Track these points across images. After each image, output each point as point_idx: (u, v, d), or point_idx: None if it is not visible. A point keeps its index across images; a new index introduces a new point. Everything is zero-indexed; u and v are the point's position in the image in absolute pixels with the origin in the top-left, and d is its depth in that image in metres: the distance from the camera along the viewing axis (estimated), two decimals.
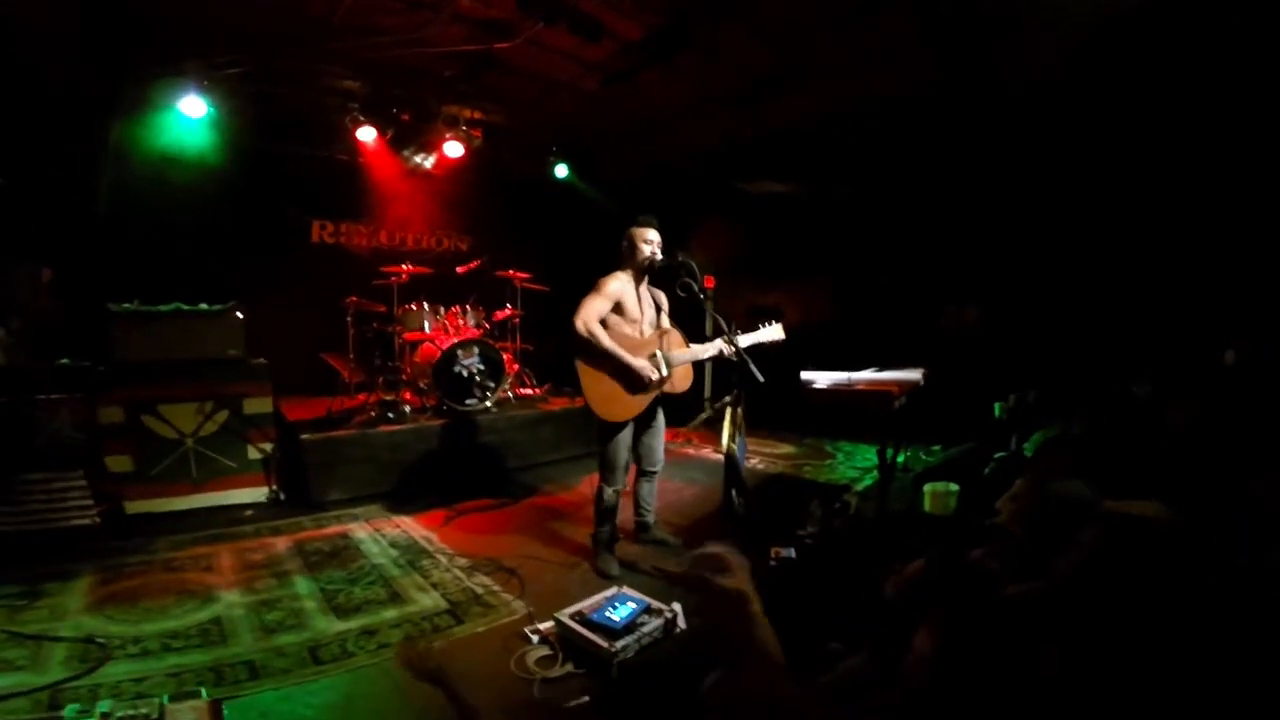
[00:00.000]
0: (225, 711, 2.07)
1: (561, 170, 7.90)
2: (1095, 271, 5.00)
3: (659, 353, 3.35)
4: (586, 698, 2.32)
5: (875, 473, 4.75)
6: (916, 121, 5.86)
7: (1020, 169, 5.38)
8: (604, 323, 3.33)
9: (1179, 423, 3.11)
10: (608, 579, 3.27)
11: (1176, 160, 4.51)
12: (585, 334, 3.21)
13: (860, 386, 3.46)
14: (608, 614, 2.65)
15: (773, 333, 3.45)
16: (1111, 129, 4.80)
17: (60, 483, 3.77)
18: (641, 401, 3.35)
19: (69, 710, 1.93)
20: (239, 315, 4.63)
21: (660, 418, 3.60)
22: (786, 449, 6.38)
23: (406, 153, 7.11)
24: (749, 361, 3.08)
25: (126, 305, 4.36)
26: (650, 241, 3.38)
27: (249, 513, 4.40)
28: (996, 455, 3.88)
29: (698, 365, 3.54)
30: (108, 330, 4.27)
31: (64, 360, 4.18)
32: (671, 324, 3.56)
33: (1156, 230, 4.66)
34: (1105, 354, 4.59)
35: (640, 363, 3.27)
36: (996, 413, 4.37)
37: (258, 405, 4.65)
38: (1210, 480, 2.42)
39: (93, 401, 4.07)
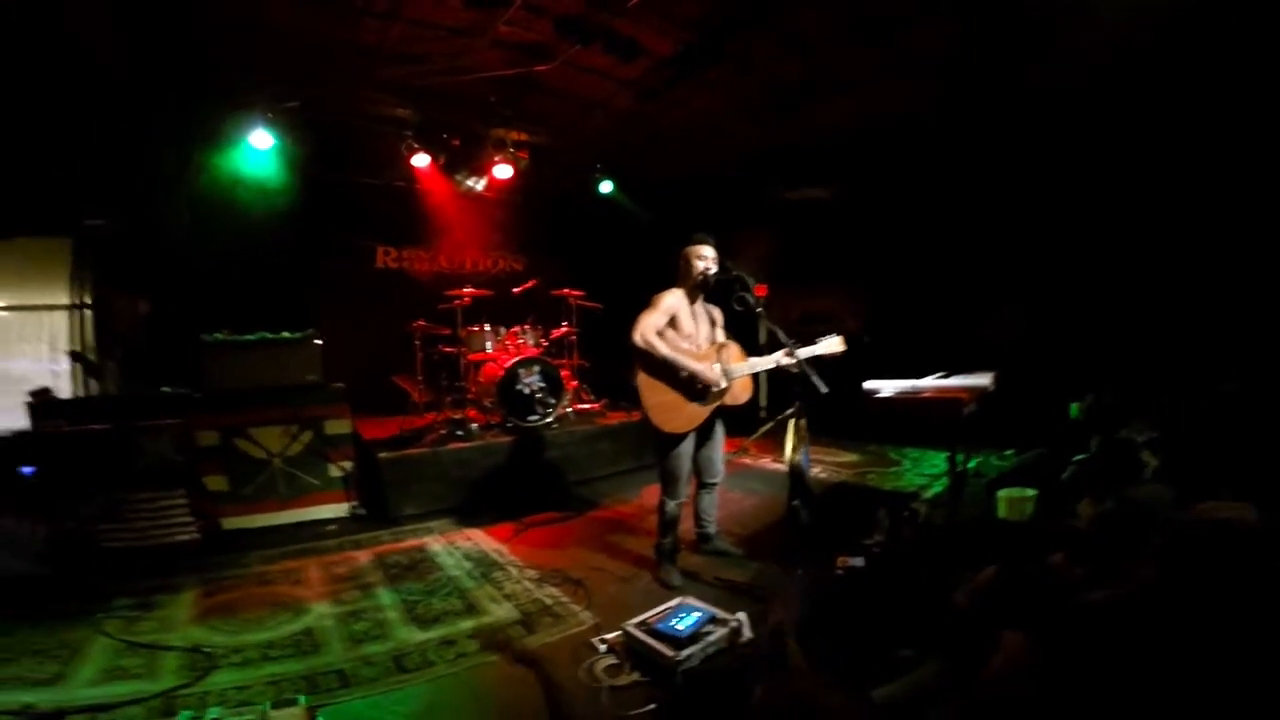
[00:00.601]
0: (319, 718, 2.21)
1: (606, 186, 8.00)
2: (1172, 266, 4.76)
3: (718, 365, 3.38)
4: (652, 705, 2.36)
5: (944, 479, 4.63)
6: (968, 122, 5.75)
7: (1080, 164, 5.21)
8: (660, 337, 3.39)
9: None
10: (670, 589, 3.30)
11: (1248, 151, 4.29)
12: (643, 345, 3.27)
13: (928, 394, 3.40)
14: (673, 624, 2.69)
15: (831, 344, 3.40)
16: (1176, 119, 4.59)
17: (164, 501, 4.05)
18: (702, 412, 3.38)
19: (182, 716, 2.10)
20: (317, 342, 4.91)
21: (720, 429, 3.61)
22: (849, 456, 6.28)
23: (459, 177, 7.33)
24: (810, 373, 3.05)
25: (217, 335, 4.68)
26: (704, 258, 3.40)
27: (332, 527, 4.63)
28: (1075, 458, 3.74)
29: (755, 377, 3.54)
30: (200, 359, 4.59)
31: (165, 388, 4.54)
32: (728, 337, 3.58)
33: (1234, 224, 4.41)
34: (1186, 350, 4.37)
35: (699, 365, 3.30)
36: (1073, 414, 4.21)
37: (338, 426, 4.90)
38: None
39: (190, 425, 4.38)
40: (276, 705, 2.10)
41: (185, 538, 4.04)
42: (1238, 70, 4.17)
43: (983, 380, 3.50)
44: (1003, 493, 3.76)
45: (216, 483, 4.43)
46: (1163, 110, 4.66)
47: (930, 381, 3.56)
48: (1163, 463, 3.16)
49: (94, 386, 5.53)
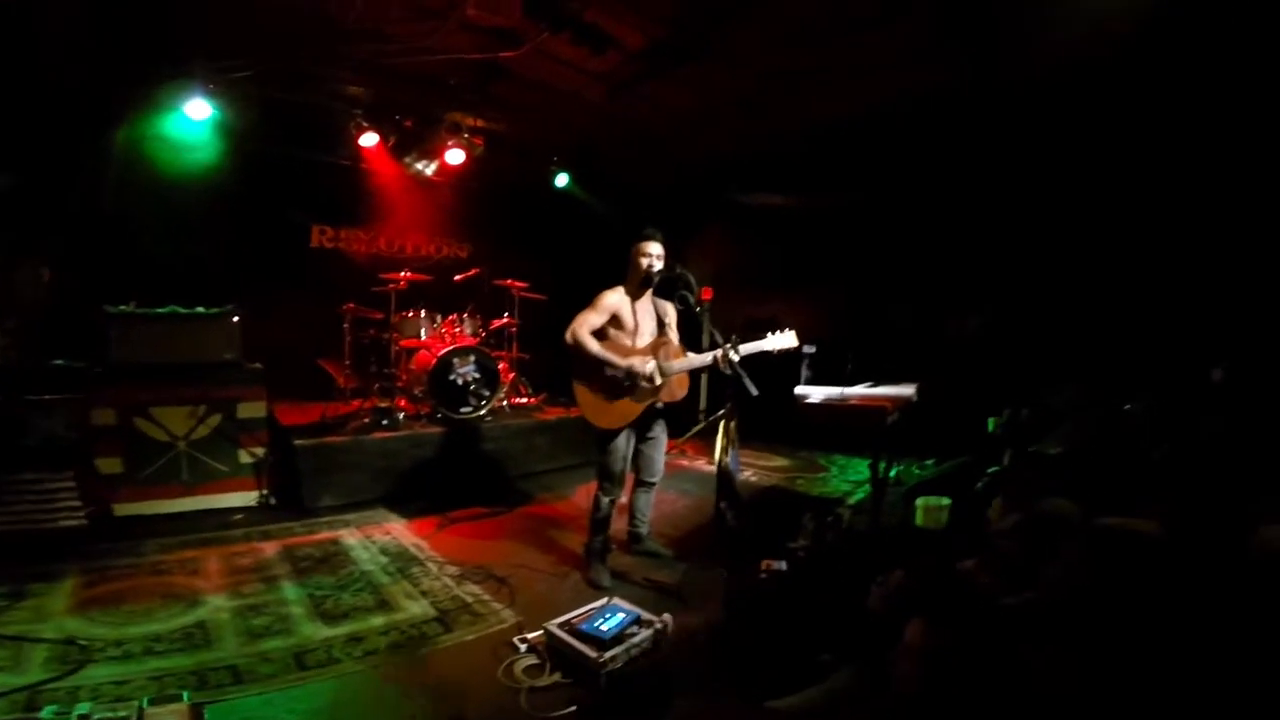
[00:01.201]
0: (207, 715, 2.06)
1: (562, 179, 7.89)
2: (1092, 286, 5.03)
3: (653, 362, 3.36)
4: (574, 708, 2.32)
5: (868, 486, 4.75)
6: (915, 133, 5.89)
7: (1017, 184, 5.42)
8: (601, 335, 3.38)
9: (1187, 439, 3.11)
10: (599, 589, 3.26)
11: (1166, 179, 4.55)
12: (572, 342, 3.30)
13: (854, 402, 3.47)
14: (597, 624, 2.65)
15: (783, 340, 3.37)
16: (1113, 133, 4.81)
17: (50, 484, 3.74)
18: (634, 409, 3.36)
19: (47, 711, 1.92)
20: (236, 319, 4.63)
21: (661, 428, 3.60)
22: (780, 461, 6.38)
23: (408, 159, 7.11)
24: (743, 375, 3.08)
25: (123, 307, 4.36)
26: (649, 254, 3.40)
27: (239, 517, 4.37)
28: (989, 470, 3.89)
29: (695, 376, 3.54)
30: (104, 331, 4.26)
31: (59, 361, 4.18)
32: (675, 335, 3.57)
33: (1150, 247, 4.69)
34: (1100, 370, 4.61)
35: (629, 360, 3.30)
36: (990, 428, 4.38)
37: (251, 410, 4.63)
38: (1204, 499, 2.42)
39: (86, 403, 4.05)
40: (155, 701, 1.93)
41: (71, 523, 3.73)
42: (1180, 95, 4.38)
43: (906, 390, 3.60)
44: (920, 501, 3.88)
45: (110, 465, 4.11)
46: (1091, 140, 4.90)
47: (857, 390, 3.63)
48: (1069, 478, 3.31)
49: None
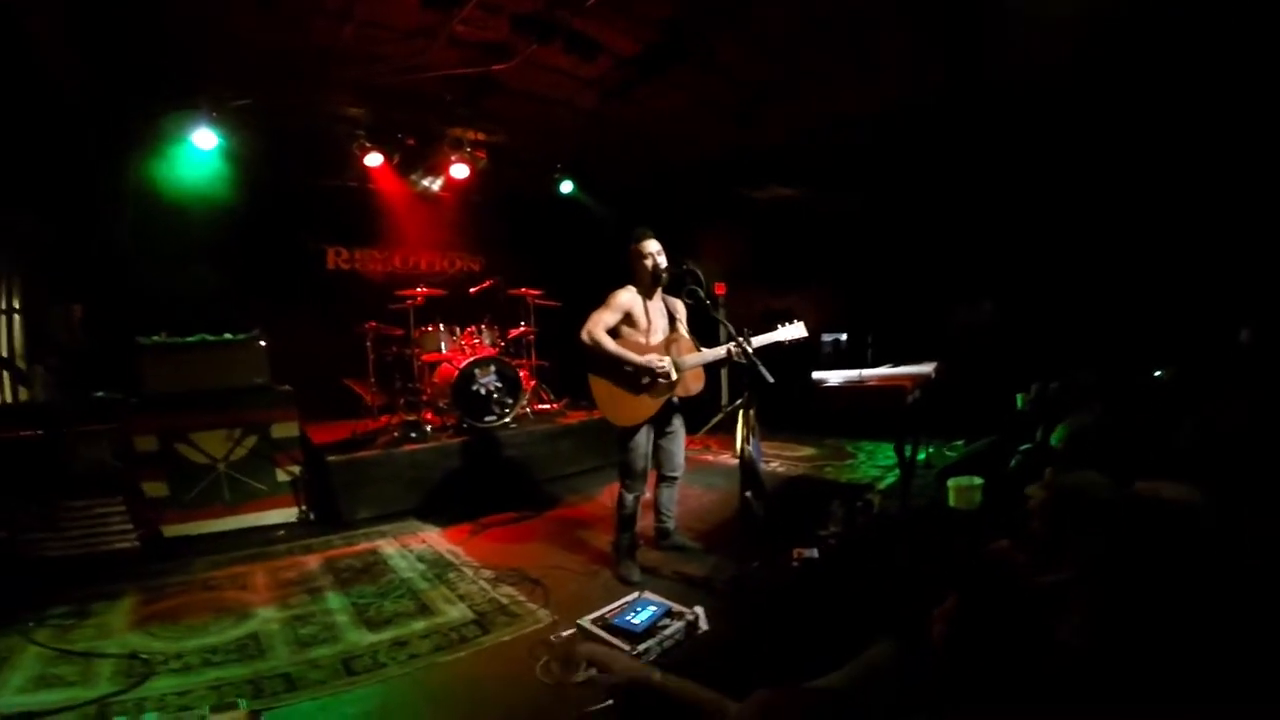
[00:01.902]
0: None
1: (566, 186, 7.95)
2: (1111, 259, 4.97)
3: (668, 358, 3.41)
4: (610, 701, 2.36)
5: (897, 470, 4.74)
6: (924, 120, 5.87)
7: (1031, 160, 5.38)
8: (615, 333, 3.41)
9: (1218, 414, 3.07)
10: (630, 585, 3.30)
11: (1188, 146, 4.50)
12: (589, 341, 3.32)
13: (872, 382, 3.48)
14: (629, 618, 2.70)
15: (793, 331, 3.43)
16: (1123, 116, 4.79)
17: (101, 509, 3.89)
18: (652, 404, 3.40)
19: None
20: (261, 343, 4.78)
21: (679, 423, 3.62)
22: (806, 450, 6.38)
23: (414, 176, 7.21)
24: (758, 364, 3.09)
25: (155, 338, 4.52)
26: (649, 253, 3.43)
27: (280, 533, 4.50)
28: (1022, 447, 3.87)
29: (714, 370, 3.55)
30: (137, 363, 4.43)
31: (99, 393, 4.34)
32: (688, 331, 3.60)
33: (1167, 215, 4.63)
34: (1124, 340, 4.56)
35: (646, 358, 3.33)
36: (1019, 405, 4.35)
37: (284, 430, 4.77)
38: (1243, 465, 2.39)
39: (128, 431, 4.22)
40: (216, 709, 2.04)
41: (124, 545, 3.88)
42: (1183, 74, 4.35)
43: (924, 369, 3.59)
44: (952, 482, 3.87)
45: (156, 489, 4.28)
46: (1113, 106, 4.84)
47: (875, 371, 3.63)
48: (1099, 450, 3.28)
49: (23, 394, 5.26)
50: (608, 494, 5.04)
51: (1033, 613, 1.57)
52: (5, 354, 5.42)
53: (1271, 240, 4.07)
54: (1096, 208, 5.05)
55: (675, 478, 3.73)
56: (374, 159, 6.47)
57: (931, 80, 5.27)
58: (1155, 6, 3.96)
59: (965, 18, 4.39)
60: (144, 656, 2.69)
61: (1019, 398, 4.37)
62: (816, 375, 3.55)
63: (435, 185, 7.33)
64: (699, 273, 3.32)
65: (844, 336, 6.62)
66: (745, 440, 3.25)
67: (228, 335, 4.71)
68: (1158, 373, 3.60)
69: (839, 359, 6.24)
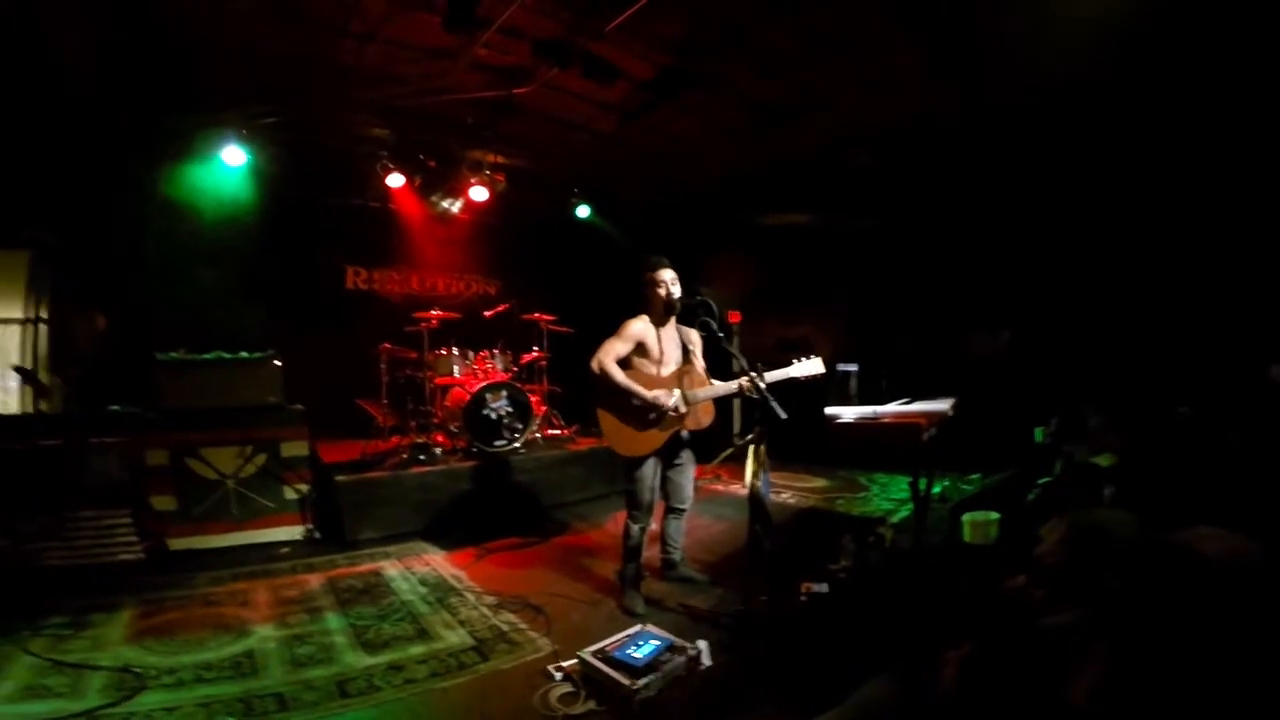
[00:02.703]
0: None
1: (583, 210, 8.00)
2: (1130, 291, 4.89)
3: (678, 390, 3.37)
4: None
5: (910, 504, 4.64)
6: (936, 142, 5.85)
7: (1046, 189, 5.34)
8: (626, 364, 3.39)
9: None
10: (633, 616, 3.25)
11: (1209, 176, 4.44)
12: (599, 371, 3.31)
13: (887, 420, 3.40)
14: (630, 652, 2.65)
15: (809, 367, 3.38)
16: (1137, 147, 4.75)
17: (108, 520, 3.93)
18: (659, 437, 3.36)
19: None
20: (277, 363, 4.83)
21: (688, 456, 3.58)
22: (819, 482, 6.28)
23: (434, 198, 7.30)
24: (770, 399, 3.03)
25: (172, 354, 4.59)
26: (663, 281, 3.40)
27: (285, 550, 4.49)
28: (1040, 481, 3.77)
29: (727, 401, 3.50)
30: (154, 377, 4.49)
31: (114, 406, 4.41)
32: (700, 362, 3.55)
33: (1189, 246, 4.56)
34: (1145, 375, 4.46)
35: (654, 393, 3.30)
36: (1038, 438, 4.26)
37: (295, 449, 4.80)
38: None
39: (140, 444, 4.27)
40: None
41: (129, 557, 3.90)
42: (1203, 97, 4.31)
43: (941, 406, 3.52)
44: (967, 516, 3.77)
45: (164, 502, 4.30)
46: (1125, 136, 4.82)
47: (890, 408, 3.57)
48: (1119, 487, 3.19)
49: (43, 404, 5.35)
50: (615, 522, 4.98)
51: (1048, 662, 1.49)
52: (30, 364, 5.54)
53: None
54: (1120, 232, 4.97)
55: (683, 510, 3.68)
56: (396, 179, 6.57)
57: (941, 100, 5.24)
58: (1171, 25, 3.90)
59: (972, 35, 4.36)
60: (137, 670, 2.67)
61: (1038, 431, 4.27)
62: (830, 411, 3.49)
63: (455, 207, 7.40)
64: (712, 304, 3.27)
65: (855, 367, 6.53)
66: (755, 475, 3.19)
67: (244, 354, 4.76)
68: (1182, 409, 3.51)
69: (851, 392, 6.17)
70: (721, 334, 3.24)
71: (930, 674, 1.62)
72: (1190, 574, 1.52)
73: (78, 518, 3.86)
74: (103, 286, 5.79)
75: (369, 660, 2.85)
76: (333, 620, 3.29)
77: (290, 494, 4.72)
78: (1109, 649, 1.39)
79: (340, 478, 4.77)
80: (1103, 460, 3.32)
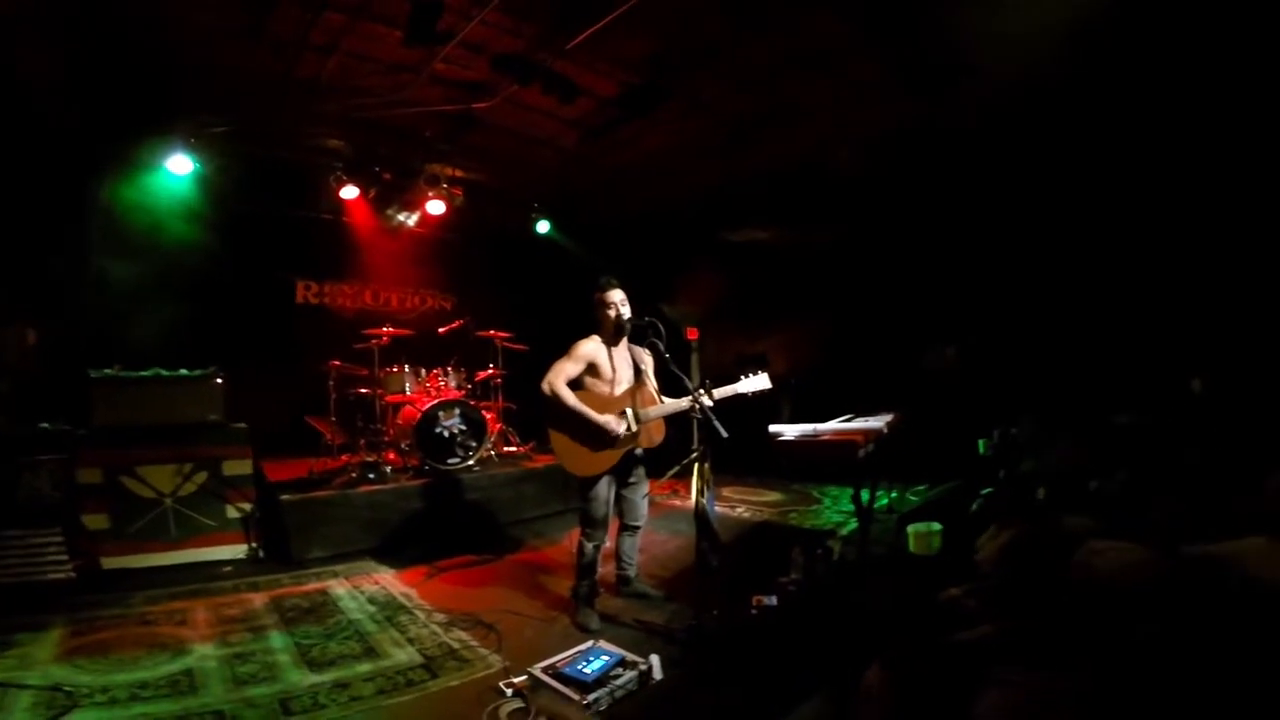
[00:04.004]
0: None
1: (543, 226, 7.99)
2: (1072, 304, 5.11)
3: (629, 410, 3.40)
4: None
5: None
6: (896, 162, 6.04)
7: (990, 209, 5.56)
8: (578, 384, 3.42)
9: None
10: (588, 632, 3.25)
11: (1138, 194, 4.68)
12: (550, 393, 3.32)
13: (826, 437, 3.51)
14: (580, 667, 2.65)
15: (756, 383, 3.46)
16: (1094, 150, 4.93)
17: (37, 539, 3.81)
18: (610, 456, 3.38)
19: None
20: (218, 380, 4.72)
21: (642, 473, 3.61)
22: (773, 496, 6.39)
23: (389, 211, 7.21)
24: (712, 418, 3.10)
25: (107, 371, 4.45)
26: (613, 303, 3.45)
27: (228, 569, 4.36)
28: (983, 491, 3.92)
29: (684, 418, 3.55)
30: (88, 395, 4.35)
31: (44, 425, 4.24)
32: (652, 381, 3.58)
33: (1123, 264, 4.80)
34: (1081, 387, 4.68)
35: (604, 418, 3.32)
36: (981, 450, 4.43)
37: (237, 467, 4.69)
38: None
39: (72, 463, 4.13)
40: None
41: (59, 576, 3.78)
42: (1160, 111, 4.49)
43: (877, 423, 3.66)
44: (911, 528, 3.90)
45: (97, 521, 4.16)
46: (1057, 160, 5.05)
47: (830, 425, 3.69)
48: (1053, 496, 3.36)
49: None
50: (571, 539, 4.91)
51: (956, 680, 1.56)
52: None
53: (1226, 285, 4.24)
54: (1066, 247, 5.17)
55: (638, 527, 3.70)
56: (350, 192, 6.51)
57: (896, 112, 5.39)
58: (1132, 35, 4.09)
59: (932, 48, 4.50)
60: (67, 689, 2.58)
61: (981, 443, 4.45)
62: (773, 428, 3.59)
63: (410, 221, 7.33)
64: (659, 325, 3.32)
65: (792, 380, 6.62)
66: (700, 493, 3.24)
67: (183, 371, 4.66)
68: (1120, 419, 3.71)
69: (794, 403, 6.24)
70: (668, 355, 3.28)
71: (856, 692, 1.68)
72: (1086, 589, 1.60)
73: (5, 536, 3.73)
74: (33, 300, 5.55)
75: (314, 678, 2.79)
76: (277, 639, 3.21)
77: (233, 512, 4.59)
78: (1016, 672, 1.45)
79: (285, 496, 4.67)
80: (1026, 465, 3.48)
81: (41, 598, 3.62)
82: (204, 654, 3.00)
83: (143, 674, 2.77)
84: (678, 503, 6.31)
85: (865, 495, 3.99)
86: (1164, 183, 4.55)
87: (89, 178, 5.69)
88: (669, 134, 5.97)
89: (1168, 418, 3.58)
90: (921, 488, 5.37)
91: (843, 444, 3.37)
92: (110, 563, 4.13)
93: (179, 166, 5.57)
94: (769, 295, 7.66)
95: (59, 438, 4.17)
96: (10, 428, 4.33)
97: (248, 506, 4.64)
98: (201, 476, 4.53)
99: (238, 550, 4.57)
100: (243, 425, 4.78)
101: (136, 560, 4.23)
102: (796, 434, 3.55)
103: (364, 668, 2.91)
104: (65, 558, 3.82)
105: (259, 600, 3.78)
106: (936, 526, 3.85)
